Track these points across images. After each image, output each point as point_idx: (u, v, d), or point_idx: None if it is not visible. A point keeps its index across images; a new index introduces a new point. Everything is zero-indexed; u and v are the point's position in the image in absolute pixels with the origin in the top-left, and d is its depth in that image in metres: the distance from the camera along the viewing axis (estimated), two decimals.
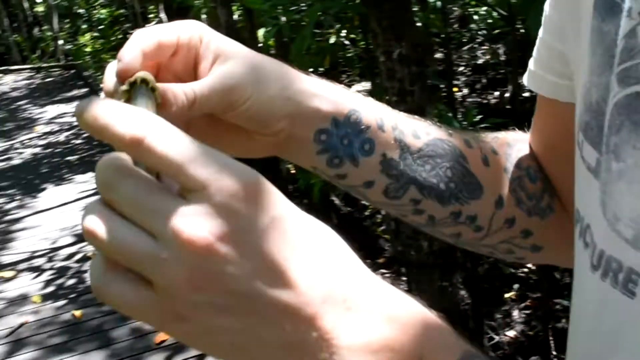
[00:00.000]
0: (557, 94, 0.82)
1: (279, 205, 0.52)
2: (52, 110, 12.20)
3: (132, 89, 0.64)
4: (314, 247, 0.53)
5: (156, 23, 14.22)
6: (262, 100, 0.74)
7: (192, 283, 0.49)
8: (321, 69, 9.83)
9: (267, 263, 0.50)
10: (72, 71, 15.31)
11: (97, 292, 0.52)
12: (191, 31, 0.73)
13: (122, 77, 0.65)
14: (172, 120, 0.63)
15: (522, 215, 0.91)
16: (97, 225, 0.50)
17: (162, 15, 12.17)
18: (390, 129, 0.83)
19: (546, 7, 0.83)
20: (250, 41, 8.57)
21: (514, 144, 0.94)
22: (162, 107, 0.66)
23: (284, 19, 5.23)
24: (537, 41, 0.86)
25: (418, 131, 0.85)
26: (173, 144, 0.50)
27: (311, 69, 8.75)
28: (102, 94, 0.68)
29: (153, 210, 0.50)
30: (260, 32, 8.48)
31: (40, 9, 21.88)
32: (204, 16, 9.33)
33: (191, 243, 0.48)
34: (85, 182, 8.39)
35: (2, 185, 8.76)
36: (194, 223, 0.49)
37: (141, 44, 0.68)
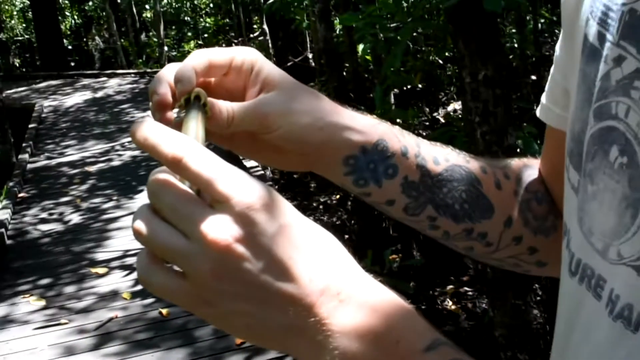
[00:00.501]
0: (562, 125, 0.91)
1: (286, 214, 0.64)
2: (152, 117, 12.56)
3: (187, 104, 0.77)
4: (315, 248, 0.65)
5: (259, 34, 14.51)
6: (293, 129, 0.86)
7: (215, 275, 0.62)
8: (418, 86, 9.95)
9: (275, 261, 0.63)
10: None
11: (142, 281, 0.66)
12: (244, 57, 0.85)
13: (180, 95, 0.79)
14: (219, 131, 0.78)
15: (529, 234, 1.02)
16: (143, 226, 0.64)
17: (265, 26, 12.45)
18: (413, 156, 0.94)
19: (557, 47, 0.93)
20: (349, 55, 8.74)
21: (525, 170, 1.05)
22: (210, 119, 0.79)
23: (381, 35, 5.37)
24: (549, 78, 0.97)
25: (438, 158, 0.97)
26: (204, 164, 0.63)
27: (404, 86, 8.87)
28: (154, 99, 0.81)
29: (187, 215, 0.63)
30: (360, 47, 8.65)
31: (148, 15, 22.48)
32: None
33: (214, 243, 0.61)
34: None
35: (101, 185, 9.10)
36: (218, 227, 0.61)
37: (194, 63, 0.81)
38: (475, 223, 0.99)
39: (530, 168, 1.06)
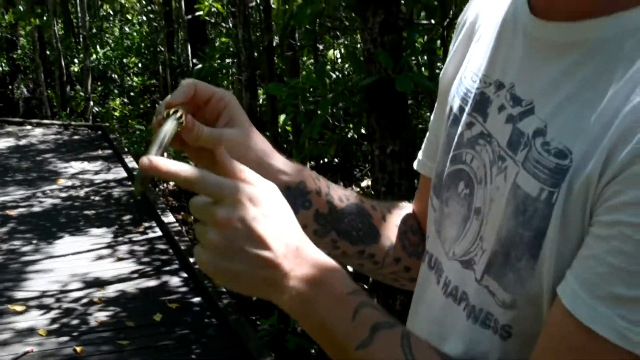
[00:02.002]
0: (431, 174, 1.28)
1: (265, 204, 0.97)
2: (75, 166, 12.73)
3: (167, 115, 1.09)
4: (280, 225, 0.97)
5: None
6: (239, 160, 1.15)
7: (221, 241, 0.95)
8: (335, 160, 10.38)
9: (255, 235, 0.94)
10: (99, 132, 15.84)
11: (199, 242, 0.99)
12: (224, 95, 1.18)
13: (166, 107, 1.11)
14: (189, 142, 1.12)
15: (405, 256, 1.40)
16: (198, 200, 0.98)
17: None
18: (324, 195, 1.30)
19: (432, 116, 1.35)
20: (270, 123, 9.18)
21: (403, 209, 1.45)
22: (184, 130, 1.11)
23: (302, 107, 5.80)
24: (425, 139, 1.38)
25: (342, 197, 1.34)
26: (202, 181, 0.96)
27: (320, 157, 9.31)
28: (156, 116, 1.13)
29: (205, 208, 0.96)
30: (282, 117, 9.12)
31: (76, 68, 22.53)
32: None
33: (217, 222, 0.95)
34: (99, 235, 8.93)
35: (21, 229, 9.28)
36: (220, 214, 0.95)
37: (184, 87, 1.14)
38: (366, 246, 1.35)
39: (407, 208, 1.46)
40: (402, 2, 4.64)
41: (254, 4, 9.70)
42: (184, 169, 0.96)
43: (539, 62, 0.99)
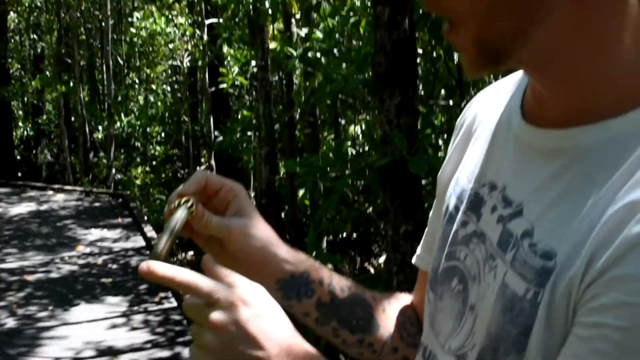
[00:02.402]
0: (428, 268, 1.31)
1: (256, 305, 1.04)
2: (95, 233, 12.83)
3: (179, 204, 1.17)
4: (272, 326, 1.05)
5: (206, 167, 14.97)
6: (247, 248, 1.25)
7: (217, 343, 1.02)
8: (353, 236, 10.41)
9: (249, 337, 1.02)
10: (120, 200, 15.98)
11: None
12: (232, 187, 1.24)
13: (178, 196, 1.19)
14: (199, 230, 1.20)
15: (403, 346, 1.43)
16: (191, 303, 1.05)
17: (212, 161, 12.96)
18: (326, 285, 1.35)
19: (431, 212, 1.39)
20: (289, 199, 9.25)
21: (402, 300, 1.49)
22: (194, 218, 1.18)
23: (320, 183, 5.87)
24: (424, 234, 1.42)
25: (344, 287, 1.38)
26: (196, 284, 1.03)
27: (338, 234, 9.35)
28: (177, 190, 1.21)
29: (200, 311, 1.03)
30: (301, 192, 9.18)
31: (99, 135, 22.82)
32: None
33: (212, 325, 1.01)
34: (114, 304, 8.96)
35: (38, 294, 9.34)
36: (214, 317, 1.01)
37: (196, 178, 1.21)
38: (365, 335, 1.39)
39: (406, 299, 1.49)
40: (420, 83, 4.73)
41: (276, 78, 9.85)
42: (179, 273, 1.02)
43: (529, 166, 1.04)
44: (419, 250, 1.43)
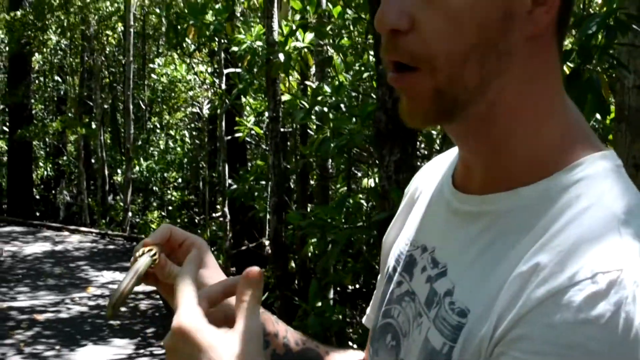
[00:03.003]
0: None
1: (201, 340, 1.07)
2: (107, 276, 12.96)
3: (143, 253, 1.26)
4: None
5: (220, 215, 15.09)
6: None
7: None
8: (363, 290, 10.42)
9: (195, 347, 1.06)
10: (134, 243, 16.08)
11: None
12: (195, 240, 1.30)
13: (143, 246, 1.27)
14: (162, 279, 1.29)
15: None
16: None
17: (226, 209, 13.06)
18: (281, 338, 1.42)
19: (379, 276, 1.50)
20: (299, 247, 9.30)
21: (355, 356, 1.55)
22: (157, 267, 1.26)
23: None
24: (373, 296, 1.49)
25: (298, 341, 1.45)
26: None
27: (345, 285, 9.38)
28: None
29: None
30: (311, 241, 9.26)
31: (118, 178, 23.02)
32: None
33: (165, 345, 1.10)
34: (121, 346, 9.05)
35: (46, 333, 9.45)
36: (167, 340, 1.09)
37: (161, 230, 1.30)
38: None
39: (359, 355, 1.56)
40: (422, 138, 4.83)
41: (291, 129, 9.97)
42: None
43: (454, 229, 1.13)
44: (368, 310, 1.51)
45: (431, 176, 1.32)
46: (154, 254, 1.23)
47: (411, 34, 1.01)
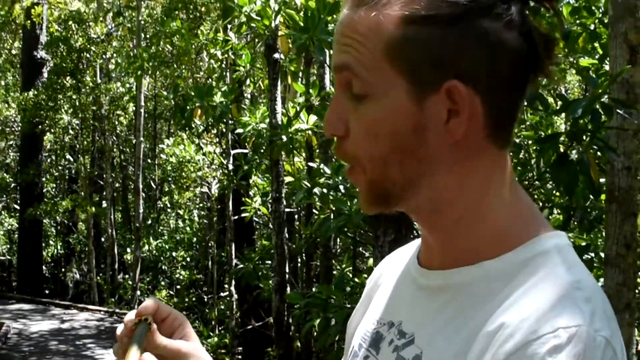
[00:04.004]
0: None
1: None
2: (112, 356, 12.92)
3: (139, 322, 1.35)
4: None
5: (227, 294, 15.10)
6: None
7: None
8: None
9: None
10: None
11: None
12: (177, 316, 1.43)
13: (137, 315, 1.36)
14: (152, 351, 1.36)
15: None
16: None
17: (232, 288, 13.10)
18: None
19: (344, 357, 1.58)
20: (304, 327, 9.31)
21: None
22: (151, 334, 1.34)
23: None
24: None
25: None
26: None
27: None
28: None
29: None
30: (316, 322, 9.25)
31: (128, 257, 23.05)
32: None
33: None
34: None
35: None
36: None
37: (150, 302, 1.38)
38: None
39: None
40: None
41: (296, 209, 10.06)
42: None
43: (420, 302, 1.22)
44: None
45: (395, 262, 1.41)
46: (149, 322, 1.32)
47: (347, 138, 1.15)
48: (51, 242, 25.79)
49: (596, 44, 6.33)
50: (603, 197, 4.59)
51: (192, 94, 7.98)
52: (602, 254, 4.67)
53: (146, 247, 21.05)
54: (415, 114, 1.10)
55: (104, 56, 20.03)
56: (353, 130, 1.14)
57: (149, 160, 23.21)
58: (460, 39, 1.09)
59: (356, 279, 7.65)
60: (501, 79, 1.12)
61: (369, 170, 1.14)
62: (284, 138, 7.10)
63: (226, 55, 12.03)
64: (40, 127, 19.60)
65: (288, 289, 8.95)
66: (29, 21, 19.99)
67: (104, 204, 21.96)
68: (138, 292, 18.97)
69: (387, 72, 1.11)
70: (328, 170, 6.16)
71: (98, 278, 21.90)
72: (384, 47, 1.10)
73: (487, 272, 1.12)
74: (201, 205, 22.92)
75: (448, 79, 1.09)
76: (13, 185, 25.89)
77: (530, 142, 5.74)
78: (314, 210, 9.75)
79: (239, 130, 8.46)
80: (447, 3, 1.08)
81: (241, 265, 9.89)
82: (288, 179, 8.06)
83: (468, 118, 1.11)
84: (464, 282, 1.14)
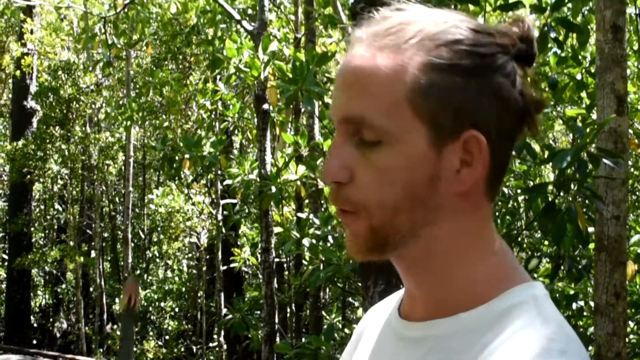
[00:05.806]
0: None
1: None
2: None
3: None
4: None
5: (217, 345, 15.02)
6: None
7: None
8: None
9: None
10: None
11: None
12: None
13: None
14: None
15: None
16: None
17: (222, 339, 13.04)
18: None
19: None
20: None
21: None
22: None
23: None
24: None
25: None
26: None
27: None
28: None
29: None
30: None
31: (116, 307, 22.92)
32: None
33: None
34: None
35: None
36: None
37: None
38: None
39: None
40: None
41: (285, 260, 10.06)
42: None
43: (402, 353, 1.23)
44: None
45: (377, 315, 1.42)
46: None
47: (351, 185, 1.14)
48: (39, 292, 25.66)
49: (583, 94, 6.38)
50: (592, 245, 4.60)
51: (181, 144, 8.00)
52: (592, 303, 4.67)
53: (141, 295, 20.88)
54: (433, 161, 1.11)
55: (93, 106, 20.08)
56: (360, 177, 1.13)
57: (138, 210, 23.17)
58: (480, 91, 1.11)
59: (346, 329, 7.64)
60: (505, 133, 1.14)
61: (377, 217, 1.13)
62: (274, 189, 7.11)
63: (215, 106, 12.08)
64: (29, 176, 19.56)
65: (277, 339, 8.91)
66: (18, 71, 20.03)
67: (93, 254, 21.84)
68: None
69: (408, 118, 1.11)
70: (317, 221, 6.18)
71: (86, 328, 21.73)
72: (408, 92, 1.10)
73: (462, 325, 1.14)
74: (190, 255, 22.87)
75: (466, 129, 1.11)
76: (1, 234, 25.79)
77: (518, 191, 5.77)
78: (303, 261, 9.75)
79: (228, 182, 8.48)
80: (468, 54, 1.10)
81: (230, 316, 9.84)
82: (277, 229, 8.06)
83: (476, 169, 1.13)
84: (442, 334, 1.15)
